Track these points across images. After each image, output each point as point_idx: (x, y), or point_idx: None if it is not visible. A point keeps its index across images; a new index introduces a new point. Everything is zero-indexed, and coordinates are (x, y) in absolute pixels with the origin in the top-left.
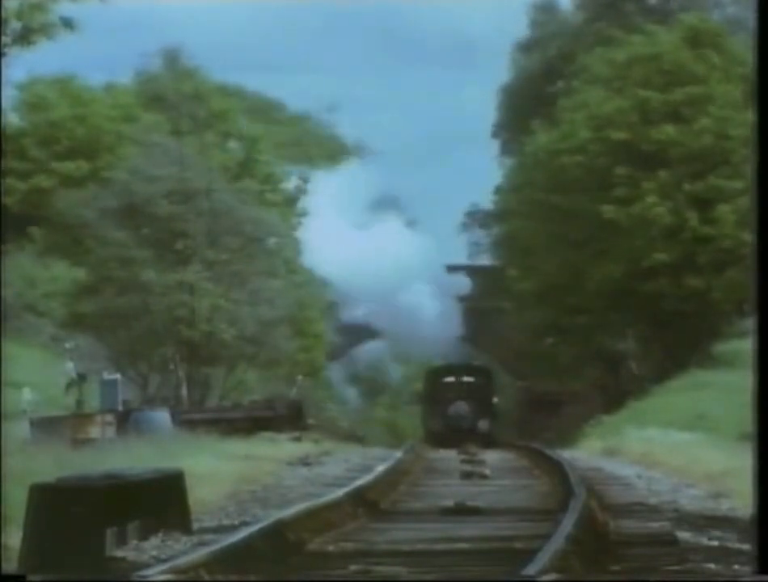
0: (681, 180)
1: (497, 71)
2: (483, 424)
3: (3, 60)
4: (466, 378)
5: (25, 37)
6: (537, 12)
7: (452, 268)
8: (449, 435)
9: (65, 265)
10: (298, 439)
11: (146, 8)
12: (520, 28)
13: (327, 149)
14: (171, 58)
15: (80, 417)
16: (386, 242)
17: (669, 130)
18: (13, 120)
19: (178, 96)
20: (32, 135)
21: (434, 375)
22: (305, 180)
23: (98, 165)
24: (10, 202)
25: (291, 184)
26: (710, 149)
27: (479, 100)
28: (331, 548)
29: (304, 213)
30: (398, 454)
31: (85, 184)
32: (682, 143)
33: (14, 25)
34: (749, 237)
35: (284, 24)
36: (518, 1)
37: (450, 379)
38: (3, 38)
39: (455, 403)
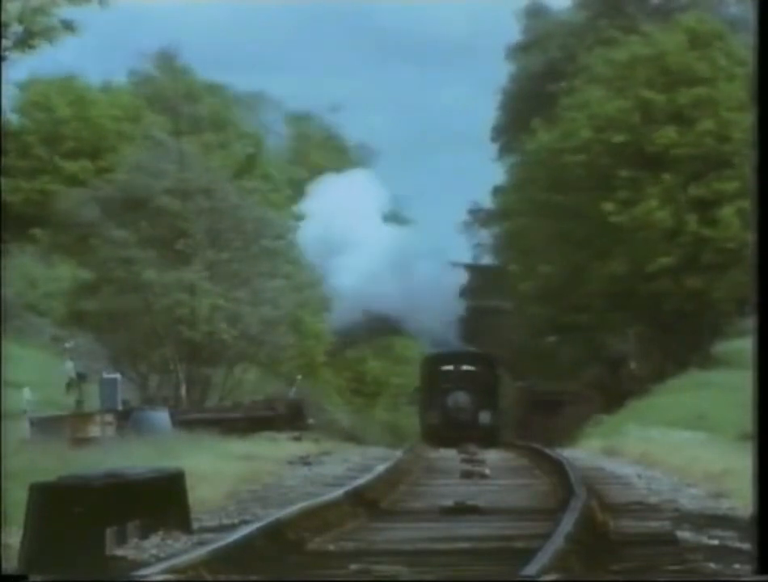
0: (684, 182)
1: (494, 70)
2: (485, 416)
3: (4, 63)
4: (465, 367)
5: (26, 41)
6: (536, 11)
7: (452, 267)
8: (447, 429)
9: (66, 265)
10: (298, 439)
11: (145, 9)
12: (518, 27)
13: (327, 150)
14: (169, 58)
15: (80, 417)
16: (384, 241)
17: (671, 132)
18: (15, 119)
19: (176, 96)
20: (36, 133)
21: (431, 363)
22: (303, 179)
23: (101, 165)
24: (13, 201)
25: (288, 181)
26: (712, 151)
27: (478, 99)
28: (331, 547)
29: (303, 216)
30: (399, 454)
31: (88, 184)
32: (684, 145)
33: (16, 28)
34: (750, 237)
35: (277, 25)
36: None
37: (449, 368)
38: (4, 41)
39: (454, 394)
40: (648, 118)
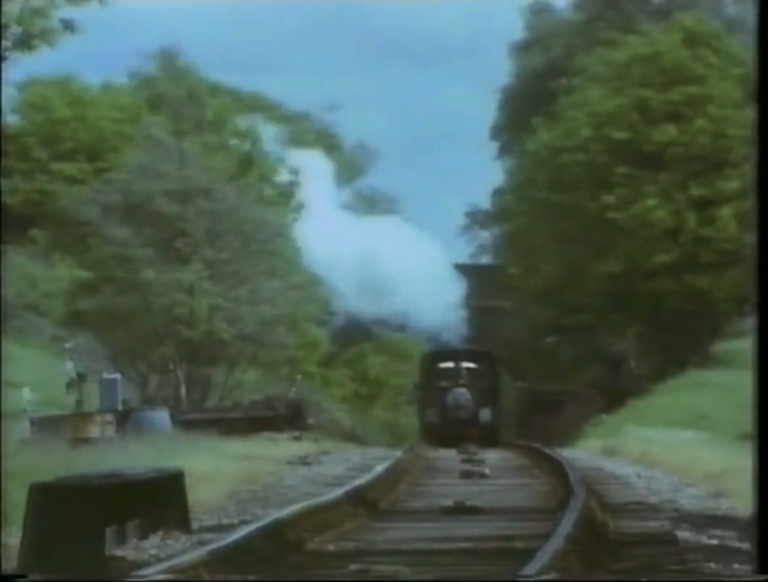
0: (681, 181)
1: (494, 70)
2: (485, 414)
3: (3, 64)
4: (466, 364)
5: (26, 42)
6: (539, 9)
7: (452, 267)
8: (447, 426)
9: (65, 264)
10: (298, 439)
11: (145, 9)
12: (520, 25)
13: (324, 148)
14: (168, 58)
15: (80, 417)
16: (383, 242)
17: (670, 130)
18: (14, 120)
19: (176, 96)
20: (35, 134)
21: (431, 360)
22: (296, 172)
23: (100, 166)
24: (12, 202)
25: (284, 177)
26: (709, 149)
27: (478, 99)
28: (330, 547)
29: (300, 212)
30: (398, 454)
31: (87, 184)
32: (682, 143)
33: (15, 30)
34: (749, 237)
35: (276, 25)
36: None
37: (449, 365)
38: (4, 42)
39: (454, 391)
40: (646, 116)
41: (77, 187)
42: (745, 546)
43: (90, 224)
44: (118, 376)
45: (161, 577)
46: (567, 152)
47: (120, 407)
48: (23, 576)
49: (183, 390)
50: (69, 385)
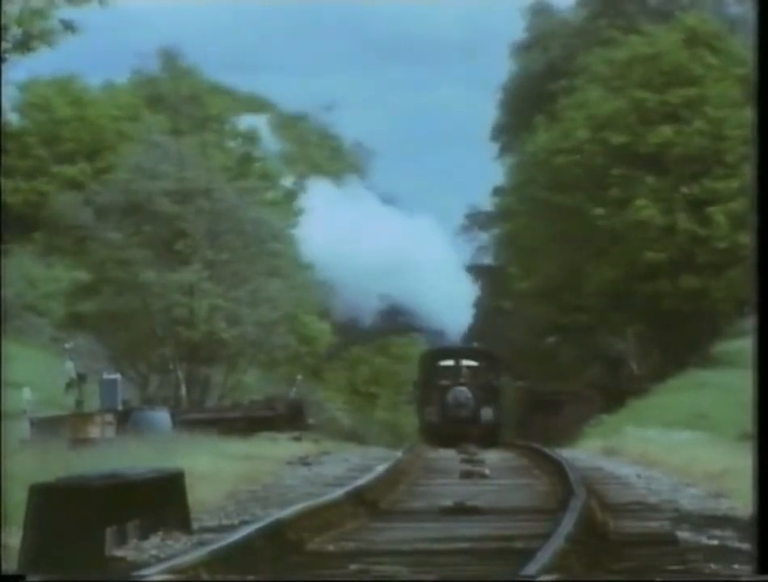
0: (678, 182)
1: (493, 70)
2: (486, 413)
3: (3, 65)
4: (466, 362)
5: (25, 43)
6: (540, 9)
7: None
8: (448, 425)
9: (65, 265)
10: (298, 439)
11: (143, 9)
12: (521, 26)
13: (324, 149)
14: (168, 58)
15: (80, 417)
16: (383, 241)
17: (666, 132)
18: (15, 119)
19: (176, 96)
20: (36, 134)
21: (431, 359)
22: (302, 177)
23: (100, 166)
24: (12, 202)
25: (287, 182)
26: (706, 150)
27: (477, 99)
28: (330, 548)
29: (301, 212)
30: (398, 454)
31: (87, 186)
32: (679, 144)
33: (15, 31)
34: (744, 237)
35: (275, 25)
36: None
37: (449, 363)
38: (3, 43)
39: (454, 389)
40: (644, 118)
41: (70, 192)
42: (745, 546)
43: (88, 226)
44: (118, 376)
45: (161, 577)
46: (565, 153)
47: (120, 407)
48: (23, 577)
49: (183, 390)
50: (69, 386)
